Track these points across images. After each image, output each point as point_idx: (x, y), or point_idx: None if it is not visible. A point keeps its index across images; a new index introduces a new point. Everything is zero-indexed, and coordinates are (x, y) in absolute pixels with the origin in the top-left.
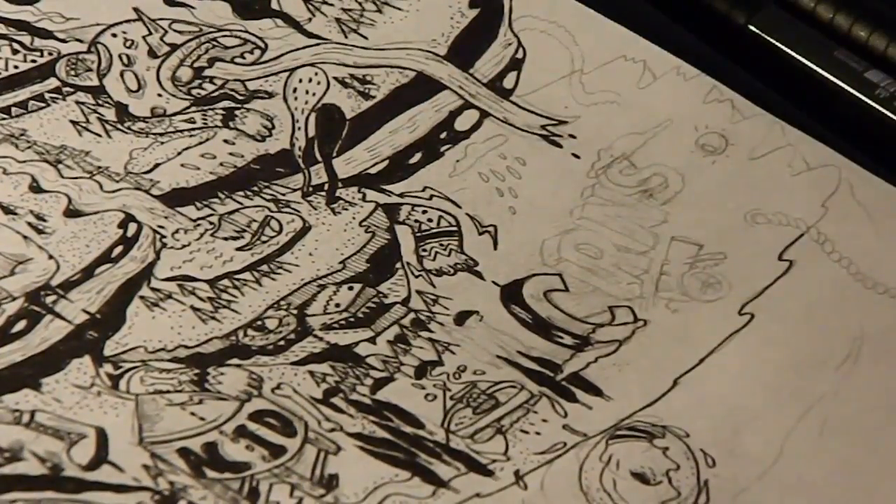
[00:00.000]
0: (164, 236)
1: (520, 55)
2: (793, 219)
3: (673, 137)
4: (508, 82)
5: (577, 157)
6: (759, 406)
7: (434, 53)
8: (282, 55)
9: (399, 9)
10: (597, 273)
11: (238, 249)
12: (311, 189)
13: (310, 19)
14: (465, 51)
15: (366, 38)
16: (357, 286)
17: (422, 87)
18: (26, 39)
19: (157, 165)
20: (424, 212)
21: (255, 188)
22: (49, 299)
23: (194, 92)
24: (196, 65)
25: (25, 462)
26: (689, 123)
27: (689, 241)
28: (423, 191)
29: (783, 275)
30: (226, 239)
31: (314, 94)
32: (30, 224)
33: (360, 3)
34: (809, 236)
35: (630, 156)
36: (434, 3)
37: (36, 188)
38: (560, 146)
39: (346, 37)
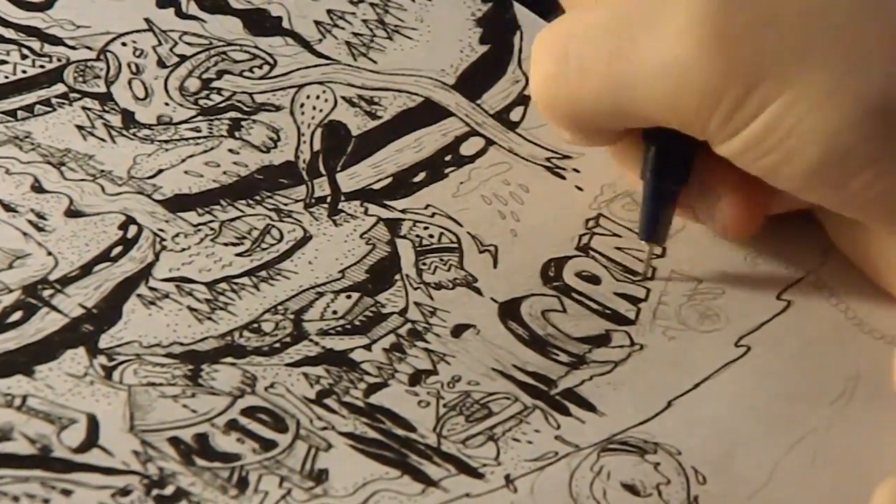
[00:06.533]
0: (164, 239)
1: (527, 92)
2: (792, 263)
3: None
4: (515, 115)
5: (580, 189)
6: (751, 432)
7: (442, 82)
8: (291, 72)
9: (409, 38)
10: (595, 298)
11: (237, 255)
12: (313, 201)
13: (320, 40)
14: (472, 83)
15: (375, 62)
16: (355, 295)
17: (428, 112)
18: (36, 45)
19: (160, 171)
20: (426, 228)
21: (258, 197)
22: (46, 293)
23: (201, 102)
24: (204, 76)
25: (15, 442)
26: None
27: (688, 275)
28: (426, 208)
29: (781, 312)
30: (226, 244)
31: (321, 111)
32: (30, 221)
33: (371, 29)
34: (808, 280)
35: (633, 193)
36: (444, 35)
37: (38, 188)
38: (563, 178)
39: (355, 59)
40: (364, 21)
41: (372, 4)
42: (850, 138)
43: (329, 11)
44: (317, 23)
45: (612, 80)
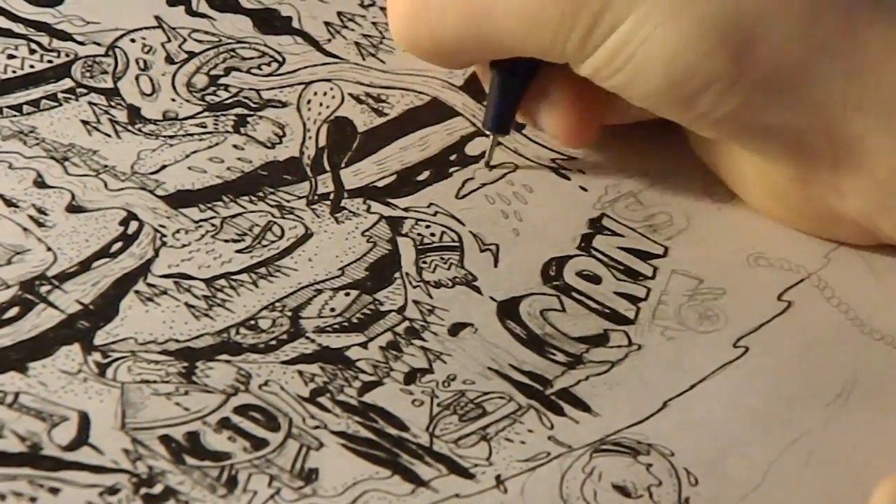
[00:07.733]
0: (164, 235)
1: None
2: (794, 265)
3: (682, 182)
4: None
5: (584, 189)
6: (746, 433)
7: (450, 83)
8: (299, 69)
9: None
10: (595, 297)
11: (237, 252)
12: (316, 197)
13: (329, 40)
14: (480, 85)
15: (383, 62)
16: (354, 292)
17: (435, 111)
18: (44, 40)
19: (164, 167)
20: (428, 226)
21: (260, 194)
22: (43, 289)
23: (208, 98)
24: (212, 73)
25: (4, 440)
26: (700, 170)
27: (690, 274)
28: (428, 207)
29: (781, 313)
30: (226, 241)
31: (328, 107)
32: (31, 217)
33: (380, 32)
34: (810, 282)
35: (637, 194)
36: None
37: (40, 183)
38: (568, 178)
39: (363, 59)
40: (374, 23)
41: (382, 8)
42: (690, 57)
43: (339, 13)
44: (326, 24)
45: (472, 15)
